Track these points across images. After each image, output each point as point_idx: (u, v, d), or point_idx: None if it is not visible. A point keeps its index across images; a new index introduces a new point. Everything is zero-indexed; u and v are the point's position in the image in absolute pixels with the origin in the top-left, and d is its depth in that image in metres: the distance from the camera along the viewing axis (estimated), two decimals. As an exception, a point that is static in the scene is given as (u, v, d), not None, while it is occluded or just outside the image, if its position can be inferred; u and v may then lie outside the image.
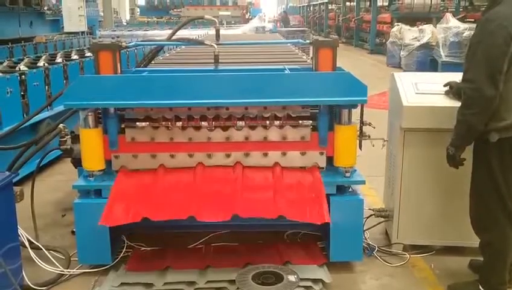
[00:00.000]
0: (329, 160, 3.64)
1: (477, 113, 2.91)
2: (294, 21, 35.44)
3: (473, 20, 15.34)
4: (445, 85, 3.59)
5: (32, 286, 3.37)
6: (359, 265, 3.68)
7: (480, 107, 2.90)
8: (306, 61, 4.87)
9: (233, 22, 24.77)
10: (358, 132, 3.65)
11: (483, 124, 2.93)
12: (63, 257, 3.74)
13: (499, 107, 2.90)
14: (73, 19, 15.42)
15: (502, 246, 3.12)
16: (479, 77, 2.87)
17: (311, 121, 3.60)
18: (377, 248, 3.89)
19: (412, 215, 3.77)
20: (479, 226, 3.24)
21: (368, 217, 4.04)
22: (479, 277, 3.31)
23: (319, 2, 36.85)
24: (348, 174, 3.55)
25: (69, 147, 3.82)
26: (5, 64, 6.99)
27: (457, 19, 14.34)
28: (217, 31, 4.16)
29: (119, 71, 3.58)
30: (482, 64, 2.86)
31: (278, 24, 28.45)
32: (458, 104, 3.14)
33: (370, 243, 3.94)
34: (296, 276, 3.23)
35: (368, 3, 24.84)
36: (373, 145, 3.75)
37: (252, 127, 3.61)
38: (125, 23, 28.53)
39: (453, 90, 3.52)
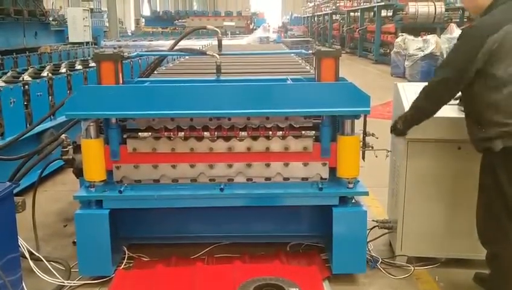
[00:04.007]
0: (332, 171, 3.61)
1: (435, 103, 3.15)
2: (298, 31, 35.59)
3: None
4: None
5: (33, 298, 3.34)
6: (362, 277, 3.64)
7: (440, 100, 3.13)
8: (309, 72, 4.86)
9: (237, 32, 24.93)
10: (361, 143, 3.63)
11: (434, 114, 3.20)
12: (64, 268, 3.72)
13: (498, 114, 2.87)
14: (78, 29, 15.57)
15: (509, 258, 3.07)
16: (447, 72, 3.04)
17: (313, 132, 3.58)
18: (380, 260, 3.83)
19: (416, 226, 3.72)
20: (486, 237, 3.19)
21: (371, 229, 4.00)
22: (485, 290, 3.27)
23: (324, 12, 37.01)
24: (351, 185, 3.52)
25: (70, 157, 3.80)
26: (9, 74, 7.02)
27: (462, 29, 14.34)
28: (219, 41, 4.16)
29: (121, 81, 3.57)
30: (451, 62, 3.07)
31: (282, 34, 28.58)
32: (461, 114, 3.12)
33: (373, 254, 3.88)
34: (297, 289, 3.19)
35: (372, 14, 24.92)
36: (376, 156, 3.72)
37: (254, 138, 3.59)
38: (130, 34, 28.73)
39: (459, 103, 3.49)
